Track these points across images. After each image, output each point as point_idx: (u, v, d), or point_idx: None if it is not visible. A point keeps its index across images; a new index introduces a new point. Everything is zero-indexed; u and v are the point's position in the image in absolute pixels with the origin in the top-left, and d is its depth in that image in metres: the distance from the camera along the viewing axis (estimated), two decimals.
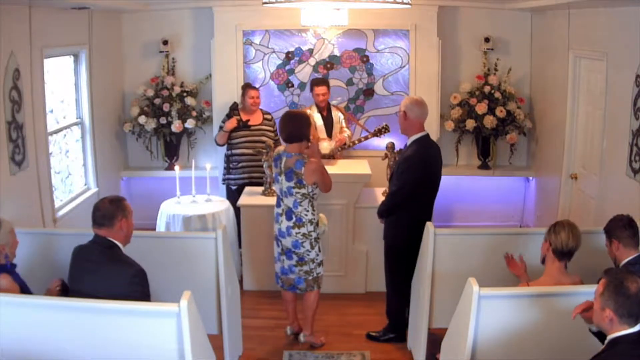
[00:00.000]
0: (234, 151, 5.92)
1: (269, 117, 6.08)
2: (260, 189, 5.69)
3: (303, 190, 4.27)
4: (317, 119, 6.02)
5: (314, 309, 4.55)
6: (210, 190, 5.67)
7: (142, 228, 4.03)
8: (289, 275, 4.45)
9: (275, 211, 4.47)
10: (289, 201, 4.33)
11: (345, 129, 6.15)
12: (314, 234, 4.36)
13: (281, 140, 4.53)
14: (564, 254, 3.33)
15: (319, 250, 4.42)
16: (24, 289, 3.24)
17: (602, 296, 2.48)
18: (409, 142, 4.44)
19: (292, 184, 4.26)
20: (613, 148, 4.77)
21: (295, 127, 4.29)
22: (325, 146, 5.91)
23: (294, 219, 4.32)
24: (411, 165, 4.31)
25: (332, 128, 6.10)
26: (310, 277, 4.42)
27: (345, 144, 6.02)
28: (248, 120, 5.86)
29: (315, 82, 6.09)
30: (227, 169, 5.98)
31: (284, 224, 4.36)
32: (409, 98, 4.48)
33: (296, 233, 4.33)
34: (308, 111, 6.10)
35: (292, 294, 4.59)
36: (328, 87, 6.06)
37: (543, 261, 3.44)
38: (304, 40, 6.71)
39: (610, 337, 2.48)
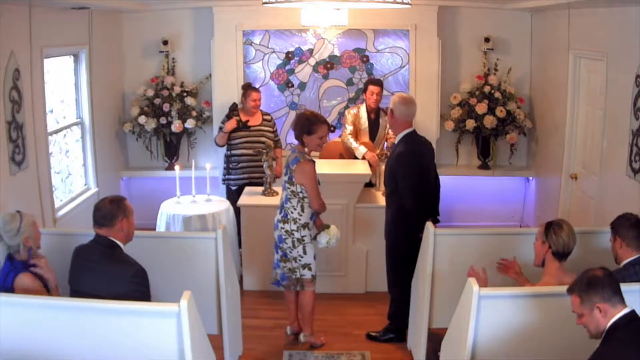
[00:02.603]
0: (234, 152, 5.92)
1: (268, 117, 6.07)
2: (260, 189, 5.69)
3: (292, 188, 4.33)
4: (364, 121, 5.90)
5: (309, 309, 4.54)
6: (210, 190, 5.67)
7: (142, 228, 4.02)
8: (277, 269, 4.51)
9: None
10: (283, 195, 4.43)
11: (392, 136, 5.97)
12: (296, 234, 4.35)
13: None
14: (565, 255, 3.33)
15: (304, 253, 4.38)
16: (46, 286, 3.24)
17: (582, 303, 2.58)
18: (397, 139, 4.44)
19: (286, 178, 4.36)
20: (613, 148, 4.77)
21: (295, 126, 4.43)
22: (361, 151, 5.78)
23: (283, 213, 4.40)
24: (407, 161, 4.29)
25: (377, 132, 5.95)
26: (294, 276, 4.43)
27: (382, 154, 5.75)
28: (247, 121, 5.86)
29: (370, 81, 5.89)
30: (227, 170, 5.98)
31: (277, 216, 4.46)
32: (398, 96, 4.44)
33: (281, 228, 4.39)
34: (353, 110, 5.95)
35: (295, 293, 4.60)
36: (382, 89, 5.89)
37: (542, 264, 3.41)
38: (304, 40, 6.71)
39: (607, 325, 2.53)
